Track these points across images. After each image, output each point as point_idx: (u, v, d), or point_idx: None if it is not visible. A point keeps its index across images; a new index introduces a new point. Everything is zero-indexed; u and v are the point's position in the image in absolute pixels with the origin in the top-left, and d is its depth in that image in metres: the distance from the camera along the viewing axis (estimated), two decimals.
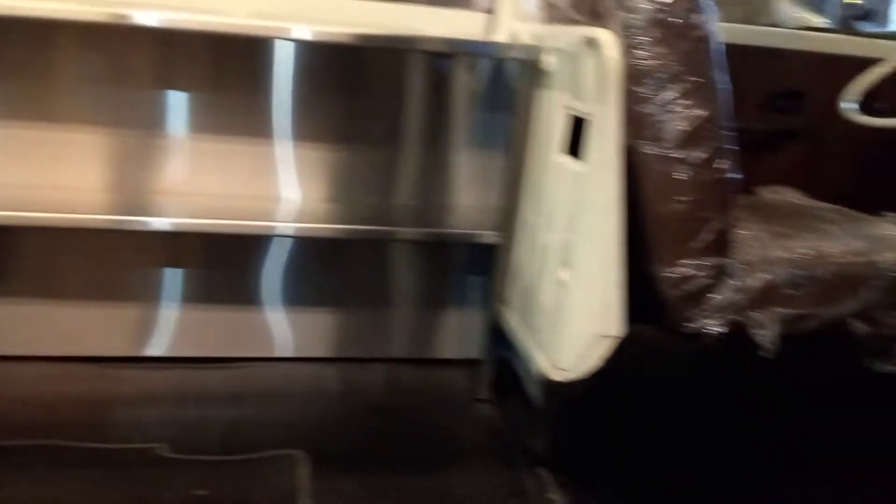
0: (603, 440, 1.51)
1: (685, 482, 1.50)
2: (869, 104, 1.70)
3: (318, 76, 1.79)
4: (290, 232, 1.76)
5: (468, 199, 1.93)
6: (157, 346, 1.88)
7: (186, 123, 1.76)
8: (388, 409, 1.76)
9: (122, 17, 1.41)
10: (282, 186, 1.84)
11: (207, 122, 1.76)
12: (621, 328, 1.32)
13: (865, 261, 1.35)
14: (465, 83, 1.86)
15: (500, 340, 1.78)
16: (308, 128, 1.81)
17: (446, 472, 1.51)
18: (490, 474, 1.51)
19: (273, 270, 1.91)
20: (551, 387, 1.45)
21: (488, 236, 1.73)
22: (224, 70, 1.74)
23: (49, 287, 1.81)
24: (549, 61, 1.56)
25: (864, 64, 1.75)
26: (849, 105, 1.66)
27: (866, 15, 1.99)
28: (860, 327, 1.36)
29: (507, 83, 1.85)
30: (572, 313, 1.42)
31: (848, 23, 2.01)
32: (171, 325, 1.88)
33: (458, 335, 2.02)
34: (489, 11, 1.80)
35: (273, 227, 1.69)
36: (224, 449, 1.51)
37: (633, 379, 1.40)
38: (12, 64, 1.65)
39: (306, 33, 1.50)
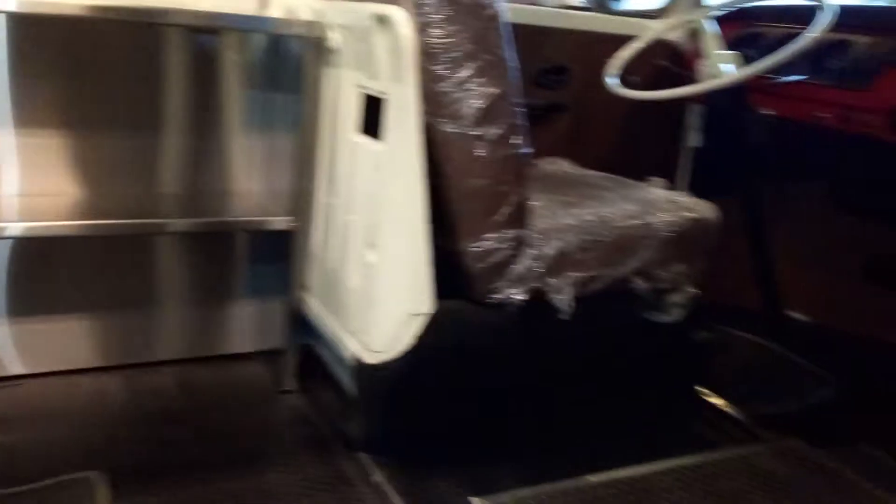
0: (420, 417, 1.53)
1: (502, 446, 1.57)
2: (622, 77, 1.86)
3: (41, 55, 1.56)
4: (17, 232, 1.49)
5: (253, 184, 1.83)
6: None
7: None
8: (183, 414, 1.63)
9: None
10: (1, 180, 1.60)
11: None
12: (432, 305, 1.34)
13: (641, 223, 1.48)
14: (237, 61, 1.75)
15: (302, 328, 1.73)
16: (32, 114, 1.58)
17: (261, 470, 1.45)
18: (309, 466, 1.47)
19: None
20: (365, 370, 1.44)
21: (280, 222, 1.66)
22: None
23: None
24: (335, 38, 1.52)
25: (619, 40, 1.91)
26: (612, 80, 1.80)
27: None
28: (640, 283, 1.49)
29: (289, 61, 1.77)
30: (382, 294, 1.41)
31: (603, 2, 2.18)
32: None
33: (255, 327, 1.93)
34: None
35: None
36: (8, 480, 1.32)
37: (445, 353, 1.42)
38: None
39: (12, 4, 1.27)
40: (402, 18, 1.23)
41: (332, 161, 1.59)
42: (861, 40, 1.69)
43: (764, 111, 1.78)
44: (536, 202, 1.48)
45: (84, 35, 1.58)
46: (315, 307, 1.67)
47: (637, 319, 1.54)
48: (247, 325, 1.93)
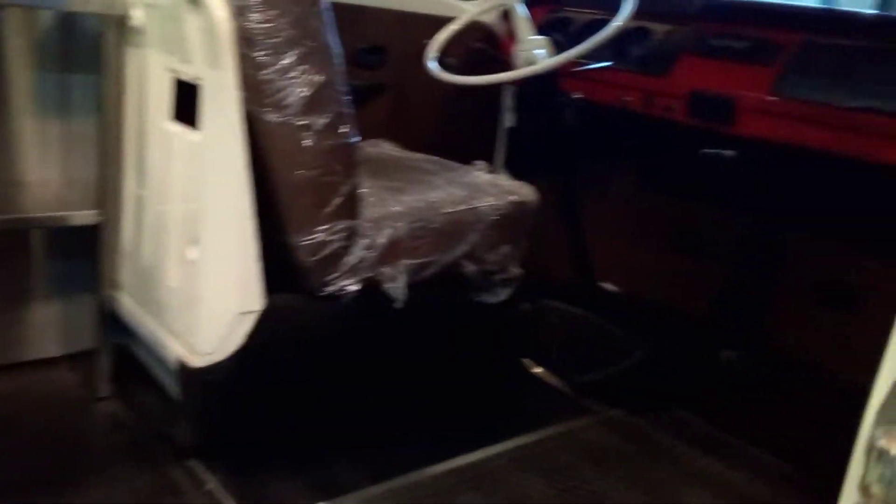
0: (256, 418, 1.47)
1: (343, 444, 1.55)
2: (441, 59, 1.88)
3: None
4: None
5: (50, 173, 1.66)
6: None
7: None
8: None
9: None
10: None
11: None
12: (262, 302, 1.29)
13: (468, 208, 1.51)
14: (23, 39, 1.56)
15: (115, 328, 1.60)
16: None
17: (81, 487, 1.33)
18: (134, 478, 1.37)
19: None
20: (191, 373, 1.36)
21: (84, 216, 1.52)
22: None
23: None
24: (139, 16, 1.39)
25: (436, 21, 1.92)
26: (432, 63, 1.81)
27: None
28: (469, 267, 1.53)
29: (86, 39, 1.60)
30: (207, 293, 1.34)
31: None
32: None
33: (61, 328, 1.77)
34: None
35: None
36: None
37: (279, 350, 1.38)
38: None
39: None
40: (215, 1, 1.15)
41: (140, 149, 1.47)
42: (659, 28, 1.82)
43: (574, 95, 1.87)
44: (364, 189, 1.46)
45: None
46: (129, 306, 1.56)
47: (466, 302, 1.57)
48: (51, 328, 1.76)
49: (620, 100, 1.82)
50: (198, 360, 1.35)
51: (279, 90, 1.19)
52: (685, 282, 2.07)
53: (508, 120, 2.25)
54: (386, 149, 1.90)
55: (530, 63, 1.69)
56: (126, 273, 1.56)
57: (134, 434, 1.52)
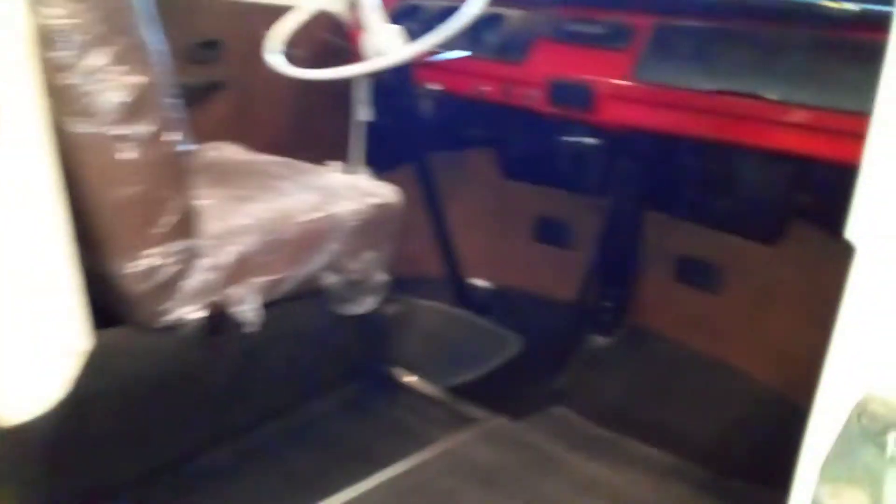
0: (93, 474, 1.27)
1: (206, 489, 1.38)
2: (287, 52, 1.72)
3: None
4: None
5: None
6: None
7: None
8: None
9: None
10: None
11: None
12: (88, 340, 1.10)
13: (325, 214, 1.37)
14: None
15: None
16: None
17: None
18: None
19: None
20: (5, 434, 1.15)
21: None
22: None
23: None
24: None
25: (276, 11, 1.75)
26: (273, 56, 1.64)
27: None
28: (331, 278, 1.40)
29: None
30: (16, 336, 1.13)
31: None
32: None
33: None
34: None
35: None
36: None
37: (115, 394, 1.20)
38: None
39: None
40: None
41: None
42: (513, 14, 1.75)
43: (430, 86, 1.77)
44: (205, 200, 1.29)
45: None
46: None
47: (329, 315, 1.45)
48: None
49: (478, 89, 1.74)
50: (12, 417, 1.14)
51: (87, 96, 1.00)
52: (552, 270, 2.05)
53: (363, 114, 2.12)
54: (229, 152, 1.72)
55: (381, 55, 1.57)
56: None
57: None
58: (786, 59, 1.38)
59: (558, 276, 2.02)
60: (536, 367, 1.84)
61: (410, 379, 1.73)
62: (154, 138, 1.08)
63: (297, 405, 1.52)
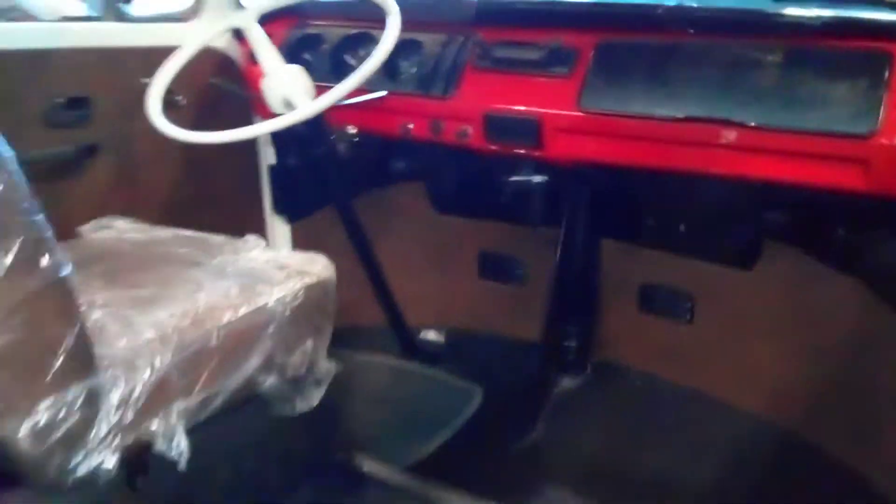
0: None
1: None
2: (168, 98, 1.46)
3: None
4: None
5: None
6: None
7: None
8: None
9: None
10: None
11: None
12: None
13: (252, 308, 1.15)
14: None
15: None
16: None
17: None
18: None
19: None
20: None
21: None
22: None
23: None
24: None
25: (151, 54, 1.49)
26: (158, 118, 1.38)
27: None
28: (267, 380, 1.18)
29: None
30: None
31: (115, 9, 1.69)
32: None
33: None
34: None
35: None
36: None
37: None
38: None
39: None
40: None
41: None
42: (432, 39, 1.54)
43: (348, 129, 1.56)
44: (98, 312, 1.05)
45: None
46: None
47: (271, 420, 1.23)
48: None
49: (402, 128, 1.53)
50: None
51: None
52: (503, 308, 1.87)
53: (269, 157, 1.89)
54: (122, 231, 1.46)
55: (287, 104, 1.34)
56: None
57: None
58: (756, 77, 1.21)
59: (510, 314, 1.85)
60: (502, 421, 1.66)
61: (372, 466, 1.51)
62: (23, 267, 0.84)
63: None
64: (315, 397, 1.27)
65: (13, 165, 0.84)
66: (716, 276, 1.59)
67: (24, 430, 0.89)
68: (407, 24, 1.31)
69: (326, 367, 1.28)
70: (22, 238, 0.84)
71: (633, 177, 1.44)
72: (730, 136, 1.18)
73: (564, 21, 1.46)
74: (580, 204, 1.64)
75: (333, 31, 1.64)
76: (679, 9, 1.38)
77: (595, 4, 1.55)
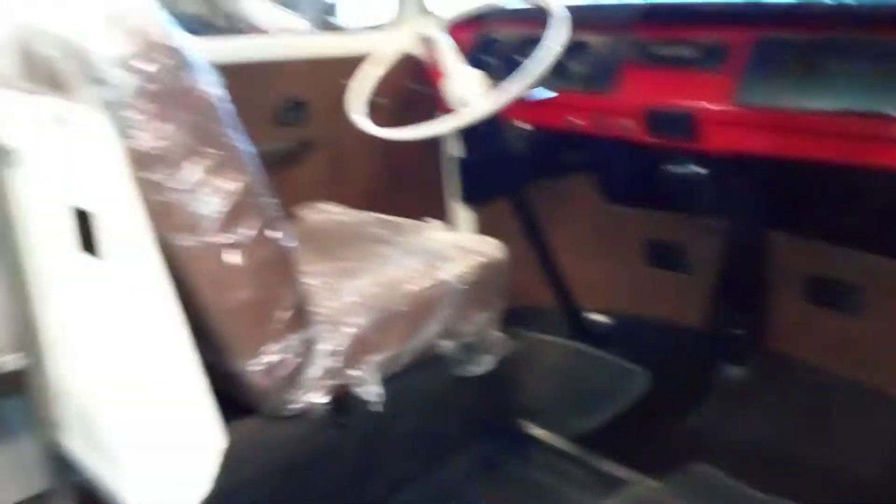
0: None
1: None
2: (373, 100, 1.70)
3: None
4: None
5: None
6: None
7: None
8: None
9: None
10: None
11: None
12: (223, 437, 1.12)
13: (434, 282, 1.34)
14: None
15: (70, 468, 1.41)
16: None
17: None
18: None
19: None
20: None
21: (8, 361, 1.34)
22: None
23: None
24: (12, 137, 1.20)
25: (355, 62, 1.74)
26: (358, 116, 1.63)
27: (333, 9, 1.99)
28: (445, 344, 1.37)
29: None
30: (156, 437, 1.16)
31: (325, 21, 1.98)
32: None
33: (12, 474, 1.57)
34: None
35: None
36: None
37: (255, 485, 1.21)
38: None
39: None
40: (90, 121, 0.97)
41: (52, 284, 1.28)
42: (596, 40, 1.66)
43: (519, 124, 1.71)
44: (312, 280, 1.29)
45: None
46: (76, 447, 1.37)
47: (450, 379, 1.42)
48: (6, 472, 1.57)
49: (569, 122, 1.66)
50: None
51: (187, 210, 1.01)
52: (670, 296, 1.93)
53: (455, 150, 2.09)
54: (328, 214, 1.73)
55: (465, 104, 1.52)
56: (68, 414, 1.38)
57: None
58: None
59: (676, 302, 1.90)
60: (667, 405, 1.73)
61: (539, 432, 1.66)
62: (257, 240, 1.08)
63: (429, 471, 1.49)
64: (486, 364, 1.44)
65: (255, 159, 1.08)
66: (887, 270, 1.55)
67: (256, 367, 1.13)
68: (574, 28, 1.44)
69: (498, 337, 1.45)
70: (261, 218, 1.08)
71: (792, 169, 1.46)
72: (888, 129, 1.19)
73: (723, 19, 1.51)
74: (744, 195, 1.66)
75: (511, 35, 1.80)
76: (837, 5, 1.38)
77: (754, 4, 1.58)
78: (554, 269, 1.84)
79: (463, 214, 2.16)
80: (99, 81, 0.95)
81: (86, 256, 1.14)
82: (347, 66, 1.78)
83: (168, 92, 0.96)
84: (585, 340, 1.91)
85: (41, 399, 1.38)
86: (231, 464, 1.13)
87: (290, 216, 1.71)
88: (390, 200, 1.81)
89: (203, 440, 1.12)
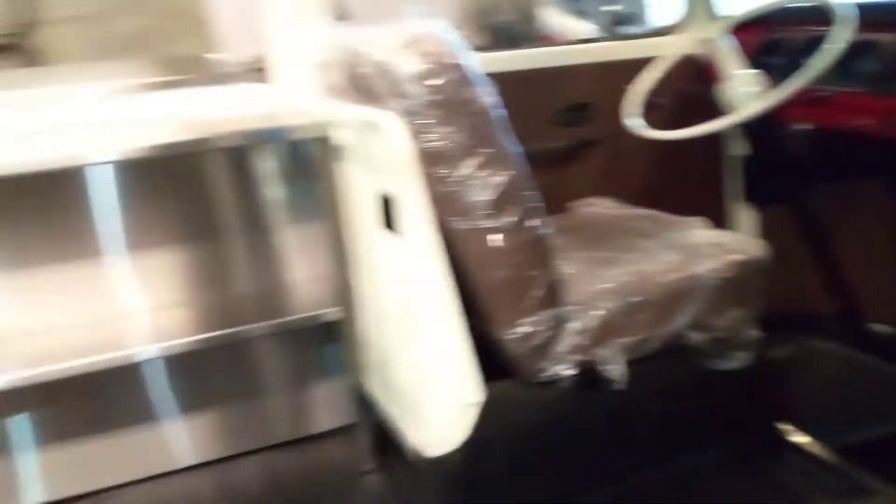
0: (488, 500, 1.49)
1: None
2: (648, 100, 1.78)
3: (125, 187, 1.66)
4: (144, 357, 1.57)
5: (302, 273, 1.85)
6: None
7: None
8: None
9: None
10: (118, 301, 1.70)
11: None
12: (480, 393, 1.31)
13: (686, 275, 1.41)
14: (273, 162, 1.78)
15: (371, 407, 1.73)
16: (133, 237, 1.69)
17: None
18: None
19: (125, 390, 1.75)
20: (425, 462, 1.42)
21: (331, 313, 1.68)
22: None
23: None
24: (342, 136, 1.51)
25: (639, 65, 1.83)
26: (632, 120, 1.72)
27: (626, 19, 2.10)
28: (695, 336, 1.42)
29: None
30: (430, 387, 1.40)
31: (612, 29, 2.10)
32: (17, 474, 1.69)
33: (333, 406, 1.93)
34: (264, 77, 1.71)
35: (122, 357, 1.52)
36: None
37: (505, 440, 1.39)
38: None
39: (104, 156, 1.40)
40: (394, 125, 1.21)
41: (363, 252, 1.59)
42: (888, 39, 1.55)
43: (799, 124, 1.66)
44: (571, 267, 1.42)
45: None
46: (376, 390, 1.67)
47: (698, 371, 1.46)
48: (324, 405, 1.94)
49: (853, 125, 1.58)
50: (430, 450, 1.41)
51: (462, 199, 1.22)
52: None
53: (737, 148, 2.07)
54: (601, 208, 1.85)
55: (738, 104, 1.53)
56: (370, 361, 1.69)
57: None
58: None
59: None
60: None
61: (800, 438, 1.62)
62: (517, 226, 1.25)
63: (676, 456, 1.56)
64: (740, 360, 1.46)
65: (521, 158, 1.25)
66: None
67: (512, 336, 1.31)
68: (863, 27, 1.38)
69: (754, 336, 1.46)
70: (522, 207, 1.26)
71: None
72: None
73: None
74: None
75: (797, 36, 1.75)
76: None
77: None
78: (837, 275, 1.76)
79: (744, 214, 2.14)
80: (401, 94, 1.20)
81: (386, 233, 1.42)
82: (631, 69, 1.87)
83: (451, 101, 1.18)
84: (867, 351, 1.79)
85: (350, 346, 1.70)
86: (487, 417, 1.32)
87: (560, 209, 1.87)
88: (666, 198, 1.87)
89: (465, 393, 1.32)
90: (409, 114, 1.19)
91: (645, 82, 1.77)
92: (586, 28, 2.44)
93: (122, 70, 1.99)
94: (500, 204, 1.23)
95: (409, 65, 1.17)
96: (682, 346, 1.43)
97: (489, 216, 1.23)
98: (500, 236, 1.24)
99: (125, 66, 2.01)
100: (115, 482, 1.76)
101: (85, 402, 1.72)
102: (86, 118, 1.63)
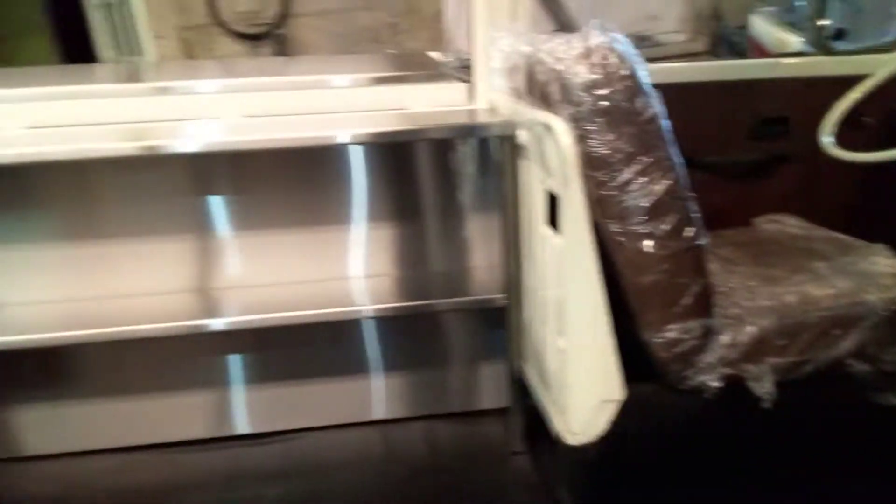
0: (621, 500, 1.53)
1: None
2: (856, 119, 1.69)
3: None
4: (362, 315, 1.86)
5: (480, 259, 1.99)
6: (217, 428, 2.01)
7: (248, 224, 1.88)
8: (425, 471, 1.81)
9: (152, 147, 1.51)
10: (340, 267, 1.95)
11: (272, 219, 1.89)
12: (622, 392, 1.36)
13: (854, 301, 1.36)
14: (462, 152, 1.93)
15: (526, 391, 1.83)
16: (358, 211, 1.92)
17: None
18: None
19: (325, 341, 1.99)
20: (566, 449, 1.50)
21: (498, 300, 1.79)
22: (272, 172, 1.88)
23: (113, 384, 1.94)
24: (523, 136, 1.62)
25: (845, 82, 1.75)
26: (828, 139, 1.66)
27: (840, 34, 1.99)
28: (859, 366, 1.37)
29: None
30: (574, 379, 1.47)
31: (824, 43, 2.00)
32: (229, 406, 1.99)
33: (495, 386, 2.06)
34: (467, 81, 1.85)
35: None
36: None
37: (641, 440, 1.43)
38: (60, 194, 1.79)
39: (345, 137, 1.62)
40: (562, 129, 1.29)
41: (530, 246, 1.68)
42: None
43: None
44: (733, 280, 1.42)
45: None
46: (530, 376, 1.77)
47: (858, 402, 1.40)
48: (488, 385, 2.08)
49: None
50: (571, 439, 1.48)
51: (620, 203, 1.28)
52: None
53: None
54: (785, 225, 1.80)
55: None
56: (529, 348, 1.79)
57: (534, 493, 1.71)
58: None
59: None
60: None
61: None
62: (672, 234, 1.29)
63: (818, 486, 1.50)
64: None
65: (681, 169, 1.29)
66: None
67: (658, 340, 1.35)
68: None
69: None
70: (677, 216, 1.29)
71: None
72: None
73: None
74: None
75: None
76: None
77: None
78: None
79: None
80: (571, 101, 1.28)
81: (549, 229, 1.51)
82: (839, 85, 1.80)
83: (617, 110, 1.24)
84: None
85: (513, 333, 1.81)
86: (626, 415, 1.37)
87: (744, 223, 1.84)
88: (857, 221, 1.78)
89: (607, 390, 1.37)
90: (577, 119, 1.27)
91: (847, 101, 1.69)
92: (793, 41, 2.33)
93: (358, 64, 2.27)
94: (657, 211, 1.27)
95: (580, 74, 1.24)
96: (843, 374, 1.38)
97: (644, 222, 1.28)
98: (652, 242, 1.29)
99: (360, 60, 2.33)
100: (295, 426, 2.01)
101: (294, 351, 1.98)
102: (329, 106, 1.85)
